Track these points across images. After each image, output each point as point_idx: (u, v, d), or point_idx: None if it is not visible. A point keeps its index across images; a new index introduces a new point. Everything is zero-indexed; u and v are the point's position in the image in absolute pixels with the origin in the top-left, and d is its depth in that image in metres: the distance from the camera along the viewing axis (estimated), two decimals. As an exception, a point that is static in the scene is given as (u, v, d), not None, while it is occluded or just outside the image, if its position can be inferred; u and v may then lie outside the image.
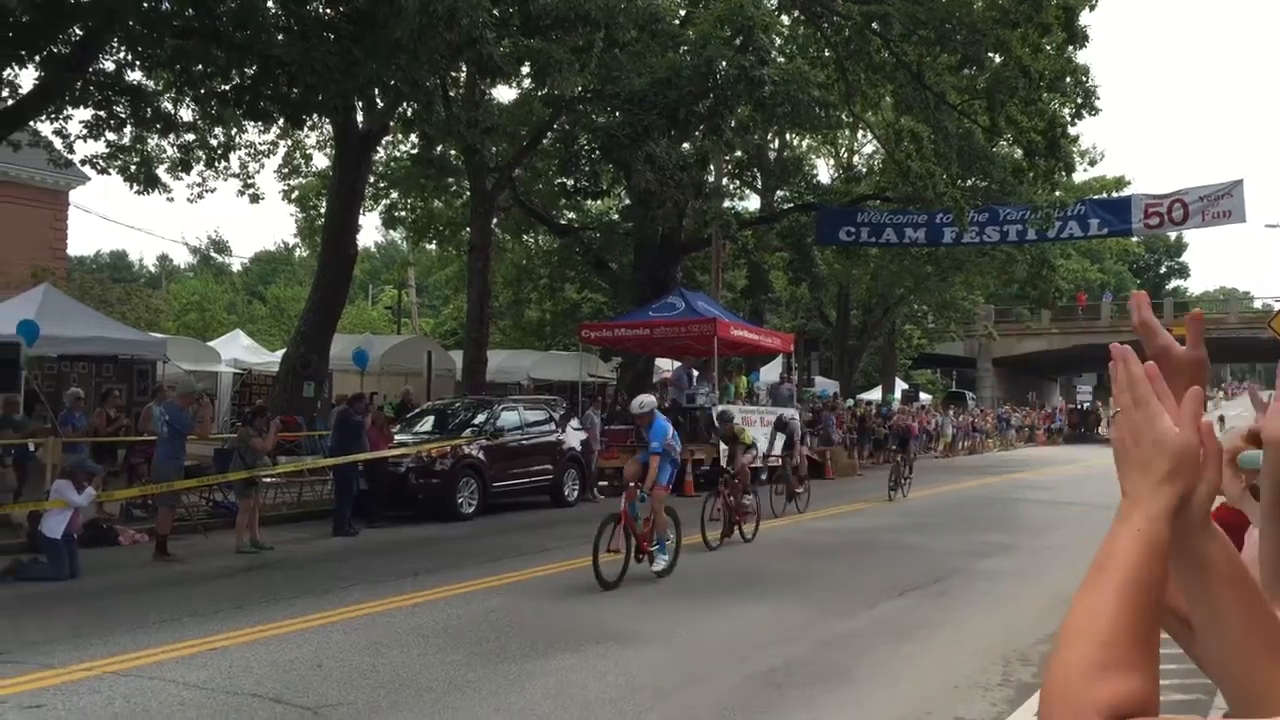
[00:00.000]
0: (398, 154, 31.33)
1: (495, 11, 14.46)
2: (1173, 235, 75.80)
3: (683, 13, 25.93)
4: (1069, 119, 26.93)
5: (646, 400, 12.38)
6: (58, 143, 19.96)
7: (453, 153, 26.84)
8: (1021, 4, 20.70)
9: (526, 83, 23.62)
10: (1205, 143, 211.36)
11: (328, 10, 15.47)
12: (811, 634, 9.01)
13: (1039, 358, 68.21)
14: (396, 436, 18.09)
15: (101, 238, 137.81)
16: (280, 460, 16.73)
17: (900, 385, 52.06)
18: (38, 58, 14.12)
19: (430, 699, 6.93)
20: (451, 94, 21.70)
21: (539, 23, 15.00)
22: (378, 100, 16.77)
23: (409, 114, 17.93)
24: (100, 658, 7.83)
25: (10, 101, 15.32)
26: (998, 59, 22.23)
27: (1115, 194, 39.25)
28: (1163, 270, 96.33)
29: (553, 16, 14.94)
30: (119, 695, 6.91)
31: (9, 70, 14.57)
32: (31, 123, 17.39)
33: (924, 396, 55.51)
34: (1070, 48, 24.74)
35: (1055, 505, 21.34)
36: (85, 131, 17.85)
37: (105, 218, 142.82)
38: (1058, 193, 29.26)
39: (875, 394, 48.27)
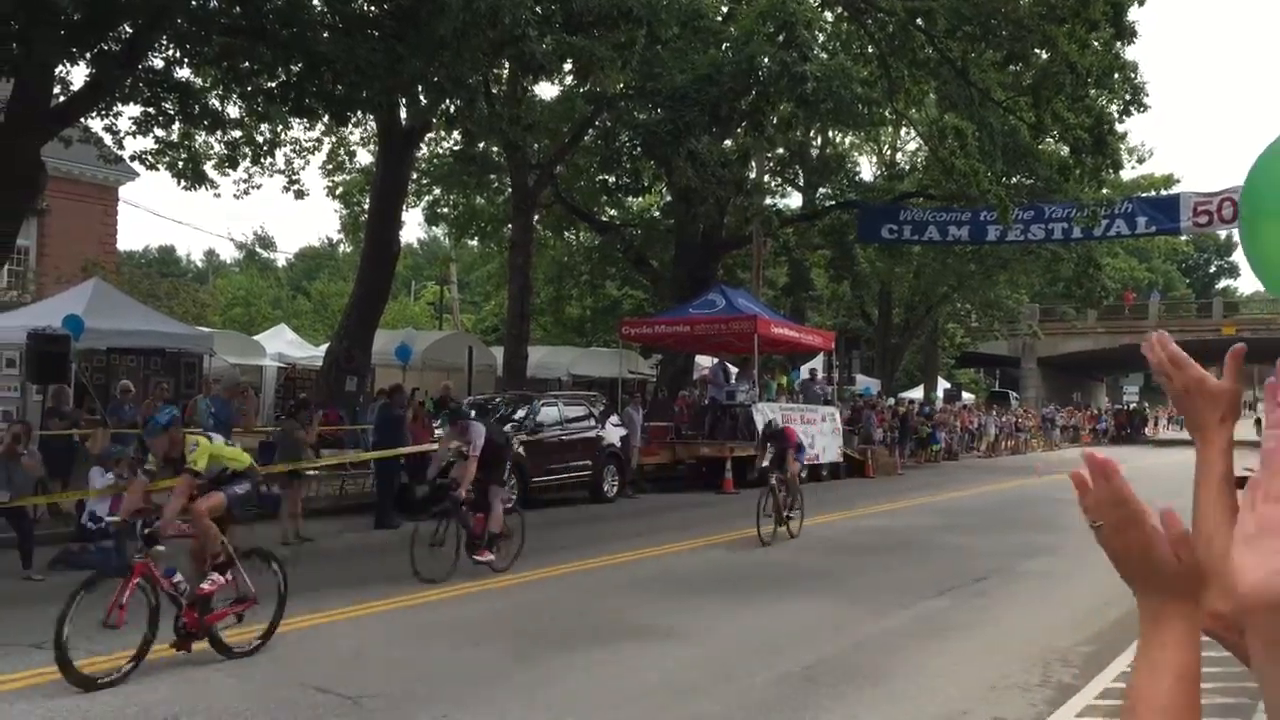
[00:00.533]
0: (440, 151, 31.52)
1: (538, 9, 14.51)
2: (1222, 234, 74.71)
3: (725, 9, 25.89)
4: (1117, 116, 26.62)
5: None
6: (108, 139, 20.28)
7: (494, 150, 26.97)
8: (1068, -1, 20.48)
9: (568, 80, 23.70)
10: (1256, 140, 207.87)
11: (372, 8, 15.60)
12: (848, 632, 8.99)
13: (1084, 357, 67.46)
14: (437, 431, 18.21)
15: (150, 233, 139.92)
16: (323, 453, 16.91)
17: (943, 384, 51.67)
18: (88, 55, 14.33)
19: (467, 690, 6.99)
20: (494, 91, 21.81)
21: (581, 20, 15.02)
22: (421, 97, 16.88)
23: (452, 111, 18.02)
24: (146, 645, 7.94)
25: (62, 98, 15.58)
26: (1044, 55, 21.98)
27: (1164, 192, 38.75)
28: (1212, 269, 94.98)
29: (595, 13, 14.96)
30: (164, 682, 7.03)
31: (61, 67, 14.81)
32: (82, 119, 17.68)
33: (966, 396, 55.06)
34: (1118, 43, 24.40)
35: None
36: (134, 128, 18.10)
37: (154, 213, 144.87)
38: (1105, 190, 28.92)
39: (917, 392, 47.95)
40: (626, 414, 21.91)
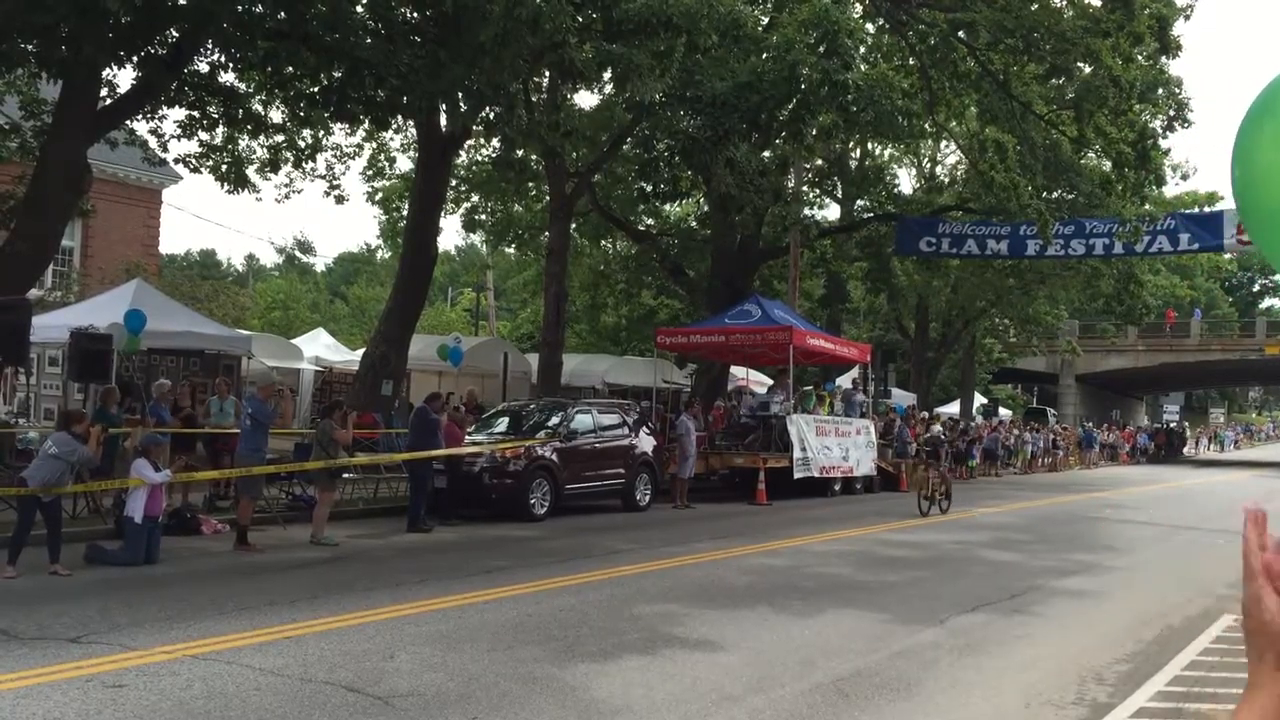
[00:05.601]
0: (479, 157, 31.71)
1: (578, 17, 14.56)
2: (1267, 252, 73.50)
3: (765, 20, 25.89)
4: (1160, 131, 26.38)
5: None
6: (152, 141, 20.56)
7: (533, 157, 27.10)
8: (1113, 13, 20.32)
9: (608, 88, 23.77)
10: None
11: (414, 14, 15.72)
12: (882, 645, 8.91)
13: (1124, 375, 66.73)
14: (470, 436, 18.30)
15: (191, 237, 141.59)
16: (357, 455, 17.02)
17: (979, 399, 51.24)
18: (135, 58, 14.55)
19: (498, 693, 6.99)
20: (534, 99, 21.90)
21: (621, 28, 15.07)
22: (461, 103, 16.99)
23: (491, 117, 18.12)
24: (180, 642, 8.02)
25: (109, 100, 15.81)
26: (1087, 69, 21.81)
27: (1207, 209, 38.26)
28: (1256, 288, 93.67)
29: (635, 22, 14.99)
30: (197, 678, 7.08)
31: (108, 70, 15.04)
32: (128, 121, 17.92)
33: (1004, 412, 54.59)
34: (1163, 58, 24.21)
35: (1137, 525, 20.86)
36: (179, 131, 18.37)
37: (197, 216, 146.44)
38: (1147, 206, 28.63)
39: (953, 408, 47.61)
40: (681, 423, 21.61)
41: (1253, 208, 2.45)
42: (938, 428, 24.95)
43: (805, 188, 32.80)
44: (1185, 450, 65.52)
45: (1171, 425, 69.22)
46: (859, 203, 36.47)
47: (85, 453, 11.23)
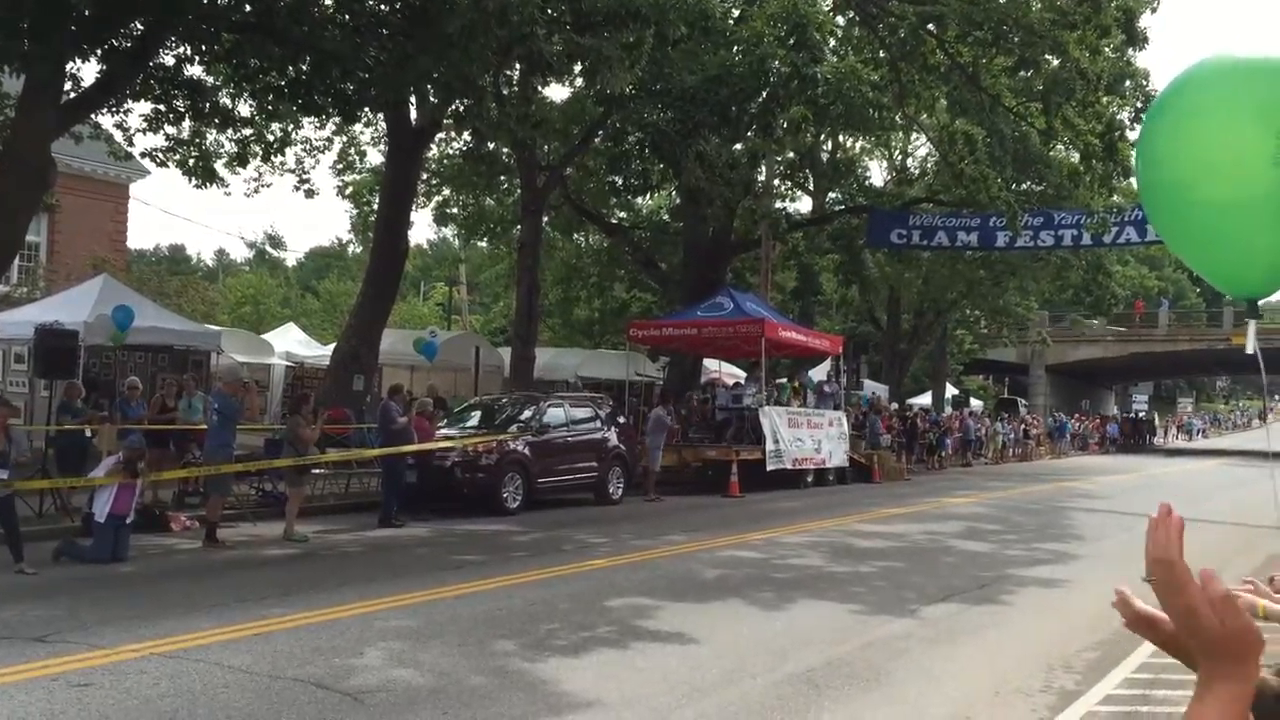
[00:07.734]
0: (450, 151, 31.54)
1: (547, 9, 14.51)
2: (1233, 243, 74.16)
3: (736, 12, 25.88)
4: (1128, 122, 26.57)
5: None
6: (118, 136, 20.30)
7: (504, 151, 26.98)
8: (1080, 5, 20.45)
9: (578, 81, 23.70)
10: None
11: (382, 6, 15.61)
12: (853, 635, 8.96)
13: (1094, 365, 67.27)
14: (442, 430, 18.23)
15: (160, 232, 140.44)
16: (328, 451, 16.91)
17: (951, 390, 51.48)
18: (99, 51, 14.38)
19: (469, 688, 6.97)
20: (504, 91, 21.81)
21: (589, 19, 15.03)
22: (430, 96, 16.90)
23: (461, 110, 18.04)
24: (148, 639, 7.95)
25: (73, 94, 15.61)
26: (1055, 61, 21.94)
27: (1175, 199, 38.45)
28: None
29: (603, 13, 14.96)
30: (165, 676, 7.02)
31: (72, 63, 14.84)
32: (93, 115, 17.70)
33: (975, 402, 54.86)
34: (1130, 50, 24.41)
35: (1107, 514, 21.03)
36: (145, 125, 18.14)
37: (165, 210, 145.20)
38: (1115, 197, 28.83)
39: (925, 399, 47.82)
40: (656, 416, 21.65)
41: (1150, 193, 2.52)
42: None
43: (776, 181, 32.80)
44: (1154, 439, 66.14)
45: (1140, 415, 69.88)
46: (830, 195, 36.55)
47: None
